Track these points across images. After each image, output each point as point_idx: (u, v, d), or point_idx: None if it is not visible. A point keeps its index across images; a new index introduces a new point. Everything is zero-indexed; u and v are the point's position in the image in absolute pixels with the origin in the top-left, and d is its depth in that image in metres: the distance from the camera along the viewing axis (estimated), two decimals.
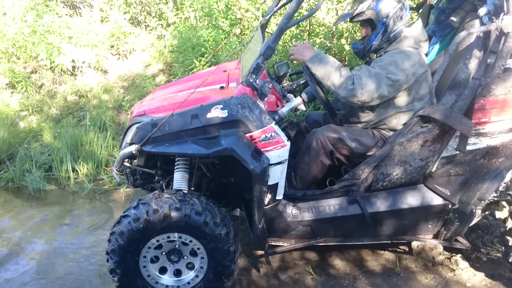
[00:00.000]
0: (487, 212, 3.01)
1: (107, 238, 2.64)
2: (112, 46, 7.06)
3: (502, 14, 2.42)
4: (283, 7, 3.26)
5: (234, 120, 2.51)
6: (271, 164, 2.57)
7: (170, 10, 7.46)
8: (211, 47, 6.02)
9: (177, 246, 2.66)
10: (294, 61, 2.91)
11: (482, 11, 2.57)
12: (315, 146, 2.77)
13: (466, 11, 2.89)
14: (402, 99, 2.74)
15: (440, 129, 2.55)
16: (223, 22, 6.41)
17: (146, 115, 2.81)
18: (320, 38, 5.62)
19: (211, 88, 2.91)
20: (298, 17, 2.71)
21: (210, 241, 2.57)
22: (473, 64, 2.52)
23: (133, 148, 2.67)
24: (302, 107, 2.89)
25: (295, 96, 2.92)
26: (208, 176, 3.00)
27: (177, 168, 2.84)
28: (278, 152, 2.57)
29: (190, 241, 2.61)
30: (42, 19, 6.80)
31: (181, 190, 2.71)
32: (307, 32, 5.61)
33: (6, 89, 6.58)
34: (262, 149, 2.54)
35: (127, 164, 2.92)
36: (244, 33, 6.28)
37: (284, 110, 2.80)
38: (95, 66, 6.84)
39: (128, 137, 2.81)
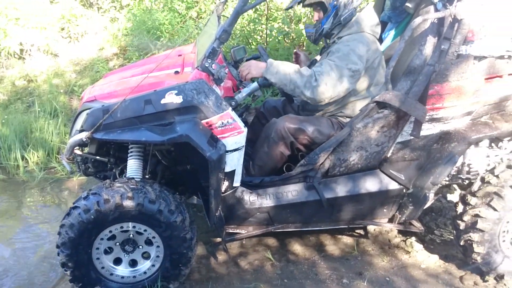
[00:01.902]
0: (439, 195, 3.11)
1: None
2: (62, 29, 6.77)
3: (456, 0, 2.46)
4: None
5: (190, 106, 2.46)
6: (228, 151, 2.54)
7: None
8: (167, 31, 5.89)
9: (131, 236, 2.60)
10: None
11: None
12: (274, 136, 2.76)
13: None
14: (358, 86, 2.75)
15: (396, 114, 2.59)
16: (179, 5, 6.27)
17: (97, 101, 2.71)
18: (278, 23, 5.60)
19: (166, 72, 2.83)
20: (255, 1, 2.68)
21: (165, 229, 2.53)
22: (427, 50, 2.56)
23: (83, 135, 2.58)
24: (259, 93, 2.88)
25: (252, 82, 2.89)
26: (163, 163, 2.94)
27: (131, 156, 2.77)
28: (235, 138, 2.54)
29: (145, 230, 2.56)
30: None
31: (133, 178, 2.65)
32: (265, 17, 5.57)
33: None
34: (218, 136, 2.51)
35: (78, 152, 2.83)
36: (200, 17, 6.18)
37: (240, 95, 2.77)
38: (45, 50, 6.54)
39: (78, 124, 2.71)
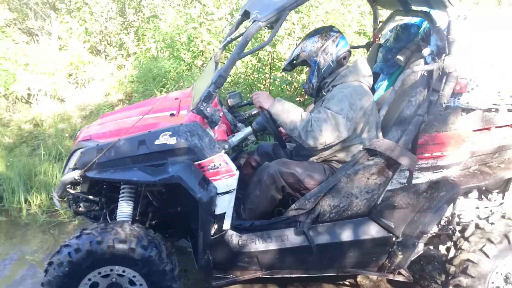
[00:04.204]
0: (429, 245, 3.04)
1: None
2: (70, 75, 6.79)
3: (444, 55, 2.49)
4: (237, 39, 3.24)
5: (183, 148, 2.43)
6: (218, 193, 2.48)
7: (131, 41, 7.34)
8: (172, 78, 5.94)
9: (114, 279, 2.49)
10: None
11: (426, 51, 2.64)
12: (266, 180, 2.70)
13: (411, 51, 2.96)
14: (353, 133, 2.73)
15: (386, 162, 2.56)
16: (185, 54, 6.36)
17: (92, 140, 2.69)
18: (281, 73, 5.67)
19: (161, 115, 2.83)
20: (250, 49, 2.73)
21: (142, 266, 2.44)
22: (417, 101, 2.56)
23: (76, 174, 2.53)
24: (252, 137, 2.86)
25: (246, 126, 2.88)
26: (154, 204, 2.87)
27: (122, 197, 2.71)
28: (227, 181, 2.49)
29: (124, 271, 2.47)
30: None
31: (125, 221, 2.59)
32: (269, 66, 5.65)
33: None
34: (210, 178, 2.46)
35: (70, 190, 2.76)
36: (206, 65, 6.24)
37: (234, 139, 2.74)
38: (52, 95, 6.53)
39: (72, 162, 2.67)
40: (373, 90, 3.31)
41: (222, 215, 2.56)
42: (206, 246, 2.54)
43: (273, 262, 2.73)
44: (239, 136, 2.76)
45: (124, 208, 2.68)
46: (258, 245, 2.67)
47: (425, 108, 2.50)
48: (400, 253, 2.70)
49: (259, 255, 2.69)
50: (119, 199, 2.71)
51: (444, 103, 2.51)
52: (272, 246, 2.67)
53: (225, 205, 2.54)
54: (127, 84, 6.67)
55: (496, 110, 2.60)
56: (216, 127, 2.70)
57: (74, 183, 2.67)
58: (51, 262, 2.44)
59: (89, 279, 2.45)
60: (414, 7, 3.07)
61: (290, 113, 2.65)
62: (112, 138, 2.58)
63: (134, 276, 2.49)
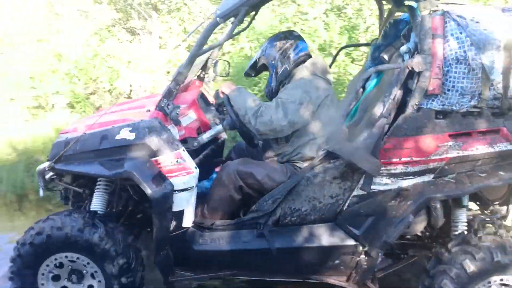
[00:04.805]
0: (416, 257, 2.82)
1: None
2: (168, 72, 6.99)
3: (416, 52, 2.29)
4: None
5: (141, 144, 2.44)
6: (176, 190, 2.46)
7: None
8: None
9: (76, 266, 2.57)
10: None
11: (403, 49, 2.45)
12: (224, 179, 2.64)
13: (396, 48, 2.74)
14: (311, 125, 2.65)
15: (348, 166, 2.39)
16: None
17: (69, 133, 2.77)
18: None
19: (139, 110, 2.86)
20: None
21: (97, 257, 2.52)
22: (389, 102, 2.38)
23: (46, 165, 2.63)
24: (224, 135, 2.82)
25: (217, 124, 2.84)
26: (135, 198, 2.90)
27: (97, 189, 2.77)
28: (184, 178, 2.46)
29: (88, 263, 2.53)
30: (104, 43, 6.84)
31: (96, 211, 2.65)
32: None
33: (66, 108, 6.50)
34: (166, 174, 2.45)
35: (58, 182, 2.87)
36: None
37: (204, 136, 2.73)
38: (151, 91, 6.75)
39: None
40: (364, 88, 3.11)
41: (181, 213, 2.53)
42: (160, 243, 2.52)
43: (233, 263, 2.64)
44: (209, 134, 2.74)
45: (97, 200, 2.73)
46: (218, 245, 2.59)
47: (390, 109, 2.31)
48: (365, 263, 2.51)
49: (219, 254, 2.61)
50: (95, 191, 2.78)
51: (416, 104, 2.31)
52: (232, 247, 2.58)
53: (183, 202, 2.51)
54: (220, 83, 6.77)
55: (479, 113, 2.35)
56: (185, 124, 2.69)
57: (59, 174, 2.76)
58: (17, 241, 2.57)
59: (56, 259, 2.55)
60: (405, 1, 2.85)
61: (244, 100, 2.65)
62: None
63: (96, 271, 2.55)
